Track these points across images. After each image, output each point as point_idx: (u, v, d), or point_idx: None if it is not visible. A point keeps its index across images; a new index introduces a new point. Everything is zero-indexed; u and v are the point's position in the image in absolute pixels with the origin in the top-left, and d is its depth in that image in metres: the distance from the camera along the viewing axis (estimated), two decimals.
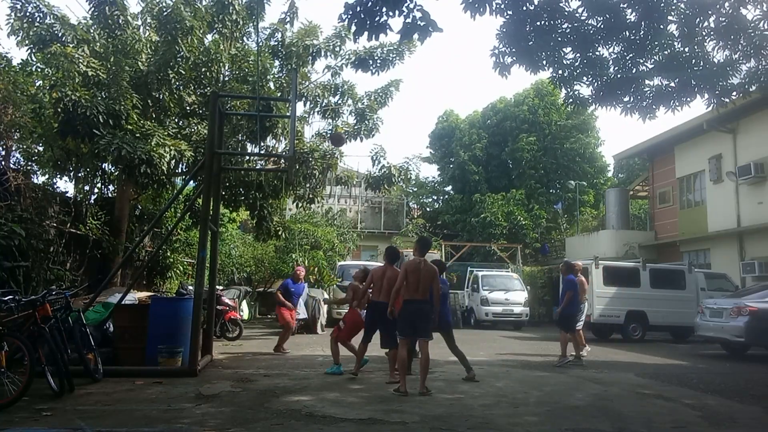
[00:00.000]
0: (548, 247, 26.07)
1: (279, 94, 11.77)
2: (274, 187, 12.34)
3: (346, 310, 8.29)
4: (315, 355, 9.83)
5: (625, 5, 6.78)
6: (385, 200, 28.99)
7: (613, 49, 7.34)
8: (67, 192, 11.83)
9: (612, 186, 28.93)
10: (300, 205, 14.01)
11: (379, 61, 12.41)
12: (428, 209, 33.95)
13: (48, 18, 10.46)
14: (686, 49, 7.14)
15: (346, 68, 13.04)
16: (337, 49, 12.72)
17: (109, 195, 13.13)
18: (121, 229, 12.03)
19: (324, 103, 13.17)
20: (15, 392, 5.12)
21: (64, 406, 5.28)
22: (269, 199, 12.88)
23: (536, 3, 6.65)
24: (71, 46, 9.91)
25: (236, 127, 11.73)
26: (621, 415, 5.48)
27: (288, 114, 9.62)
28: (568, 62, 7.44)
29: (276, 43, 12.66)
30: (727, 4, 6.62)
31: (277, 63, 12.42)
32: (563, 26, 6.99)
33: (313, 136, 13.59)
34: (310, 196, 13.12)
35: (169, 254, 14.48)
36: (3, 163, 9.48)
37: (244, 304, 16.16)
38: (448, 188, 32.16)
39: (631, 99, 7.61)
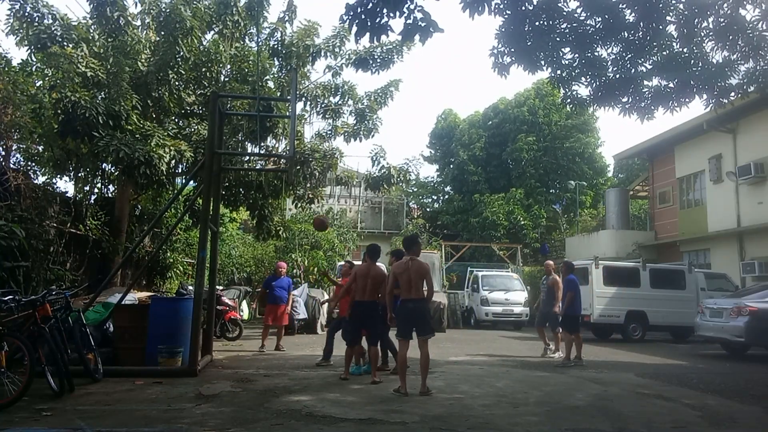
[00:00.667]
0: (548, 247, 26.07)
1: (279, 94, 11.78)
2: (274, 187, 12.35)
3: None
4: (315, 355, 9.82)
5: (623, 5, 6.79)
6: (385, 200, 29.00)
7: (612, 49, 7.34)
8: (67, 192, 11.86)
9: (612, 186, 28.93)
10: (300, 205, 14.03)
11: (379, 61, 12.43)
12: (428, 209, 33.94)
13: (47, 18, 10.46)
14: (685, 50, 7.14)
15: (346, 68, 13.07)
16: (337, 49, 12.74)
17: (109, 195, 13.13)
18: (121, 229, 12.04)
19: (324, 103, 13.19)
20: (15, 392, 5.12)
21: (64, 406, 5.28)
22: (269, 199, 12.89)
23: (535, 3, 6.66)
24: (70, 46, 9.92)
25: (236, 127, 11.73)
26: (621, 415, 5.48)
27: (288, 114, 9.63)
28: (567, 62, 7.44)
29: (275, 43, 12.67)
30: (725, 4, 6.62)
31: (276, 63, 12.43)
32: (562, 26, 6.99)
33: (313, 136, 13.62)
34: (310, 196, 13.13)
35: (169, 254, 14.48)
36: (3, 163, 9.47)
37: (244, 304, 16.16)
38: (448, 188, 32.16)
39: (630, 99, 7.62)
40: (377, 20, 5.63)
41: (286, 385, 6.63)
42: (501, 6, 6.51)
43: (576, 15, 6.92)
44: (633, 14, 6.85)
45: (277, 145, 12.66)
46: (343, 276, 9.06)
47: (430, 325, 6.51)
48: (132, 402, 5.59)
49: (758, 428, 5.46)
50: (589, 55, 7.32)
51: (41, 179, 11.28)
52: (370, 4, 5.57)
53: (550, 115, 28.55)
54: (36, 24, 10.31)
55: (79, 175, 12.10)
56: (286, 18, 12.66)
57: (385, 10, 5.60)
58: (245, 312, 16.41)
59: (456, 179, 29.91)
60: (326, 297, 15.40)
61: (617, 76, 7.45)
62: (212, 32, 11.62)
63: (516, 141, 27.91)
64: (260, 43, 11.65)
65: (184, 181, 12.18)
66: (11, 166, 9.73)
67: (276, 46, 12.62)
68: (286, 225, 15.22)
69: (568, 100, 7.99)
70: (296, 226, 19.02)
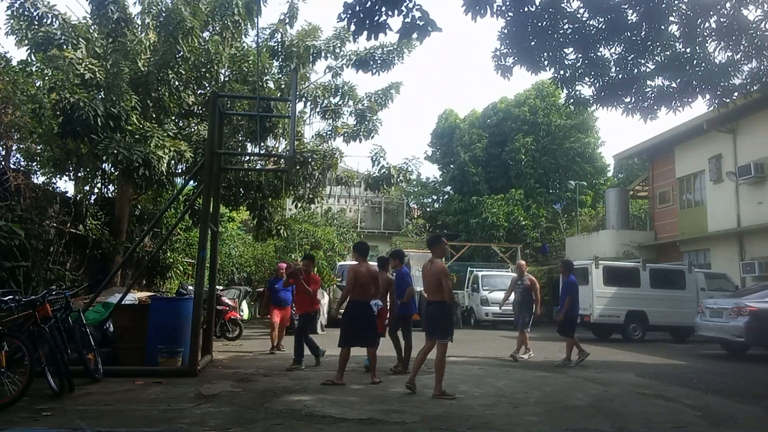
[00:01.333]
0: (548, 247, 26.07)
1: (279, 95, 11.77)
2: (274, 187, 12.35)
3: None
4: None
5: (626, 6, 6.78)
6: (385, 200, 28.99)
7: (615, 49, 7.33)
8: (67, 192, 11.85)
9: (612, 186, 28.93)
10: (300, 205, 14.02)
11: (379, 62, 12.43)
12: (428, 209, 33.94)
13: (48, 18, 10.45)
14: (687, 50, 7.13)
15: (346, 68, 13.07)
16: (338, 50, 12.74)
17: (109, 195, 13.12)
18: (121, 229, 12.03)
19: (324, 104, 13.19)
20: (15, 392, 5.11)
21: (64, 406, 5.27)
22: (269, 199, 12.89)
23: (537, 4, 6.65)
24: (70, 47, 9.90)
25: (236, 127, 11.73)
26: (621, 415, 5.48)
27: (288, 114, 9.63)
28: (570, 63, 7.43)
29: (275, 44, 12.67)
30: (728, 4, 6.61)
31: (276, 63, 12.43)
32: (564, 27, 6.98)
33: (313, 136, 13.62)
34: (310, 196, 13.13)
35: (169, 254, 14.48)
36: (3, 163, 9.47)
37: (244, 304, 16.16)
38: (449, 188, 32.16)
39: (633, 99, 7.61)
40: (375, 19, 5.62)
41: (286, 385, 6.63)
42: (503, 7, 6.50)
43: (578, 15, 6.91)
44: (635, 14, 6.84)
45: (277, 145, 12.66)
46: (289, 277, 8.99)
47: (445, 329, 6.21)
48: (132, 402, 5.58)
49: (758, 428, 5.46)
50: (591, 55, 7.31)
51: (41, 179, 11.29)
52: (369, 3, 5.57)
53: (550, 115, 28.54)
54: (36, 24, 10.30)
55: (79, 175, 12.09)
56: (287, 20, 12.65)
57: (383, 9, 5.59)
58: (245, 312, 16.41)
59: (456, 179, 29.91)
60: (327, 297, 15.40)
61: (620, 76, 7.44)
62: (212, 32, 11.59)
63: (516, 141, 27.91)
64: (260, 44, 11.63)
65: (184, 181, 12.17)
66: (11, 165, 9.73)
67: (276, 47, 12.62)
68: (287, 225, 15.21)
69: (571, 101, 7.98)
70: (296, 225, 19.01)
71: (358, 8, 5.60)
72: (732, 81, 7.27)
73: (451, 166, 30.71)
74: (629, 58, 7.31)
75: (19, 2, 10.23)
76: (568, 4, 6.81)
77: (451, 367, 8.26)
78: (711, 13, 6.70)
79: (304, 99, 12.93)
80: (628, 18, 6.89)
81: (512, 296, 10.57)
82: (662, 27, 6.87)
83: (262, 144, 12.01)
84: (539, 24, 6.80)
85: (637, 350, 11.85)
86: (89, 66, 9.42)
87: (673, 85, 7.43)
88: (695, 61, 7.12)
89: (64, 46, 9.94)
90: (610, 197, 23.81)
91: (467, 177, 28.79)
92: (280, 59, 12.61)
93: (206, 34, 11.51)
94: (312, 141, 13.17)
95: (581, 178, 27.73)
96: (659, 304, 14.02)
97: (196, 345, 7.24)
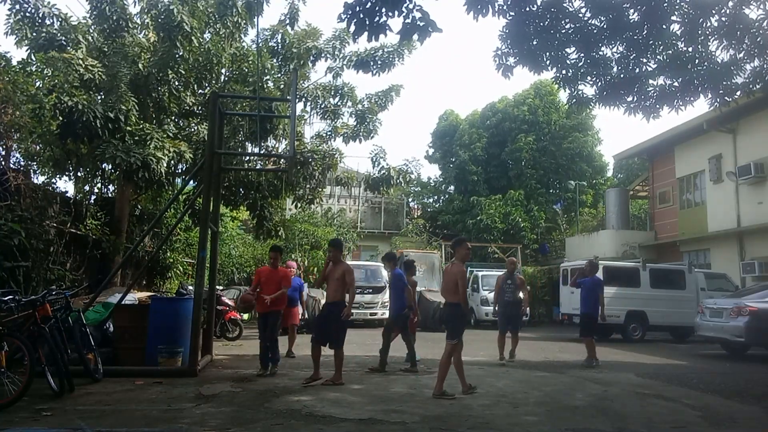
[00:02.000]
0: (548, 247, 26.05)
1: (278, 94, 11.77)
2: (274, 187, 12.35)
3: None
4: None
5: (628, 5, 6.77)
6: (385, 200, 28.99)
7: (617, 48, 7.34)
8: (67, 192, 11.84)
9: (612, 186, 28.92)
10: (300, 205, 14.03)
11: (380, 63, 12.45)
12: (429, 209, 33.93)
13: (48, 18, 10.44)
14: (689, 49, 7.13)
15: (347, 69, 13.09)
16: (338, 51, 12.76)
17: (109, 195, 13.12)
18: (121, 229, 12.03)
19: (323, 105, 13.19)
20: (15, 392, 5.11)
21: (64, 406, 5.27)
22: (269, 199, 12.89)
23: (539, 3, 6.65)
24: (69, 48, 9.89)
25: (236, 127, 11.73)
26: (621, 415, 5.48)
27: (288, 114, 9.62)
28: (572, 62, 7.43)
29: (276, 44, 12.67)
30: (730, 3, 6.61)
31: (276, 63, 12.43)
32: (566, 26, 6.98)
33: (312, 137, 13.63)
34: (310, 196, 13.13)
35: (169, 254, 14.47)
36: (3, 163, 9.46)
37: None
38: (449, 188, 32.16)
39: (635, 99, 7.61)
40: (376, 19, 5.61)
41: (286, 385, 6.62)
42: (505, 7, 6.50)
43: (580, 15, 6.91)
44: (637, 13, 6.84)
45: (277, 146, 12.67)
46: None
47: (457, 330, 6.27)
48: (132, 402, 5.58)
49: (758, 428, 5.46)
50: (593, 54, 7.31)
51: (41, 179, 11.29)
52: (369, 3, 5.56)
53: (549, 114, 28.53)
54: (37, 24, 10.30)
55: (79, 175, 12.09)
56: (287, 21, 12.66)
57: (383, 10, 5.59)
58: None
59: (457, 179, 29.91)
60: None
61: (622, 75, 7.44)
62: (211, 32, 11.59)
63: (515, 141, 27.91)
64: (260, 44, 11.63)
65: (184, 181, 12.18)
66: (11, 165, 9.72)
67: (276, 47, 12.62)
68: (286, 225, 15.21)
69: (573, 100, 7.98)
70: (296, 225, 19.01)
71: (358, 9, 5.60)
72: (734, 80, 7.27)
73: (451, 166, 30.71)
74: (631, 58, 7.31)
75: (20, 2, 10.23)
76: (570, 4, 6.81)
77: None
78: (713, 12, 6.70)
79: (304, 99, 12.93)
80: (630, 17, 6.88)
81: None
82: (664, 26, 6.87)
83: (263, 144, 12.01)
84: (541, 23, 6.80)
85: (637, 350, 11.84)
86: (89, 67, 9.42)
87: (675, 84, 7.43)
88: (697, 61, 7.12)
89: (66, 47, 9.94)
90: (610, 197, 23.81)
91: (467, 177, 28.79)
92: (280, 59, 12.61)
93: (207, 35, 11.51)
94: (312, 141, 13.18)
95: (581, 178, 27.72)
96: (659, 304, 14.01)
97: (196, 345, 7.24)
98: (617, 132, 70.48)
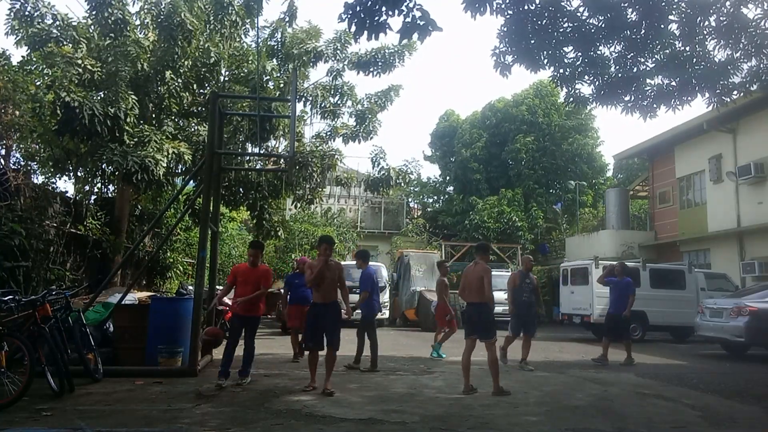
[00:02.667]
0: (548, 246, 26.03)
1: (278, 94, 11.78)
2: (274, 187, 12.35)
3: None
4: None
5: (626, 4, 6.78)
6: (385, 200, 29.00)
7: (614, 48, 7.35)
8: (67, 192, 11.85)
9: (612, 186, 28.91)
10: (299, 205, 14.04)
11: (380, 64, 12.48)
12: (429, 209, 33.92)
13: (47, 18, 10.44)
14: (687, 48, 7.14)
15: (348, 70, 13.12)
16: (339, 53, 12.78)
17: (109, 195, 13.13)
18: (121, 229, 12.04)
19: (323, 104, 13.20)
20: (15, 392, 5.11)
21: (64, 406, 5.27)
22: (269, 199, 12.89)
23: (537, 2, 6.65)
24: (69, 46, 9.89)
25: (238, 127, 11.73)
26: (621, 415, 5.48)
27: (288, 114, 9.62)
28: (569, 61, 7.44)
29: (275, 44, 12.67)
30: (728, 2, 6.61)
31: (275, 63, 12.44)
32: (564, 25, 6.99)
33: (312, 137, 13.64)
34: (310, 196, 13.14)
35: (169, 254, 14.48)
36: (3, 163, 9.47)
37: None
38: (450, 188, 32.15)
39: (632, 98, 7.62)
40: (376, 19, 5.62)
41: (286, 385, 6.62)
42: (503, 5, 6.50)
43: (578, 14, 6.92)
44: (635, 13, 6.85)
45: (277, 146, 12.67)
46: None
47: (489, 329, 6.39)
48: (132, 402, 5.58)
49: (758, 428, 5.45)
50: (591, 53, 7.32)
51: (41, 179, 11.30)
52: (369, 3, 5.56)
53: (549, 115, 28.52)
54: (36, 24, 10.29)
55: (79, 174, 12.09)
56: (286, 19, 12.66)
57: (383, 9, 5.59)
58: None
59: (458, 179, 29.90)
60: None
61: (619, 74, 7.45)
62: (211, 31, 11.60)
63: (515, 141, 27.91)
64: (260, 44, 11.63)
65: (184, 181, 12.18)
66: (11, 165, 9.73)
67: (276, 46, 12.62)
68: (286, 225, 15.22)
69: (571, 99, 7.98)
70: (296, 225, 19.01)
71: (358, 8, 5.60)
72: (731, 79, 7.28)
73: (452, 165, 30.70)
74: (629, 57, 7.32)
75: (20, 3, 10.23)
76: (568, 3, 6.81)
77: (451, 367, 8.29)
78: (711, 11, 6.70)
79: (304, 99, 12.94)
80: (628, 16, 6.89)
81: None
82: (662, 25, 6.88)
83: (263, 144, 12.02)
84: (539, 22, 6.81)
85: (637, 350, 11.81)
86: (89, 67, 9.41)
87: (673, 83, 7.43)
88: (695, 60, 7.12)
89: (62, 43, 9.91)
90: (610, 197, 23.80)
91: (468, 176, 28.79)
92: (279, 59, 12.62)
93: (206, 35, 11.52)
94: (311, 142, 13.19)
95: (581, 178, 27.71)
96: (659, 304, 13.99)
97: (196, 345, 7.23)
98: (617, 132, 70.49)
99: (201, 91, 11.60)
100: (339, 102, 13.47)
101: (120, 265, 10.60)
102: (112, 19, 10.36)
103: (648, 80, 7.58)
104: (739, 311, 10.56)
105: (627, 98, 7.62)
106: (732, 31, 6.70)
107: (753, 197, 16.54)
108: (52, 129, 9.45)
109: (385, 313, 17.52)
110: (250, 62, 11.42)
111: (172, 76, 10.62)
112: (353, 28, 5.72)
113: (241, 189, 12.58)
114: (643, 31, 6.94)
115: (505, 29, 6.86)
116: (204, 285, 7.95)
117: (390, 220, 29.79)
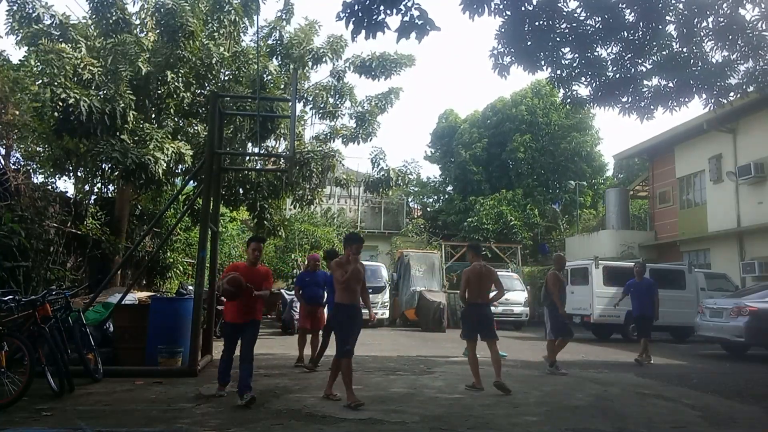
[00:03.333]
0: (548, 246, 26.03)
1: (278, 93, 11.79)
2: (274, 187, 12.36)
3: None
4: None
5: (623, 5, 6.79)
6: (384, 200, 29.01)
7: (612, 49, 7.35)
8: (67, 192, 11.87)
9: (611, 186, 28.91)
10: (300, 205, 14.05)
11: (381, 69, 12.56)
12: (429, 209, 33.93)
13: (47, 18, 10.45)
14: (684, 50, 7.14)
15: (349, 72, 13.15)
16: (340, 53, 12.81)
17: (109, 195, 13.14)
18: (121, 229, 12.04)
19: (323, 105, 13.23)
20: (15, 392, 5.12)
21: (64, 406, 5.28)
22: (269, 199, 12.91)
23: (535, 3, 6.65)
24: (69, 45, 9.89)
25: (238, 127, 11.74)
26: (621, 415, 5.48)
27: (288, 114, 9.63)
28: (567, 62, 7.45)
29: (274, 42, 12.68)
30: (725, 4, 6.62)
31: (275, 62, 12.45)
32: (562, 26, 6.99)
33: (311, 138, 13.66)
34: (310, 197, 13.15)
35: (169, 254, 14.48)
36: (3, 162, 9.47)
37: None
38: (450, 188, 32.16)
39: (630, 99, 7.63)
40: (374, 17, 5.61)
41: (286, 385, 6.63)
42: (501, 6, 6.51)
43: (576, 15, 6.92)
44: (633, 14, 6.85)
45: (277, 146, 12.68)
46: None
47: (494, 329, 6.85)
48: (132, 402, 5.59)
49: (758, 428, 5.46)
50: (588, 55, 7.32)
51: (41, 179, 11.30)
52: (368, 1, 5.56)
53: (548, 114, 28.53)
54: (35, 24, 10.30)
55: (79, 174, 12.10)
56: (284, 17, 12.67)
57: (381, 8, 5.59)
58: None
59: (458, 179, 29.90)
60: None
61: (617, 75, 7.46)
62: (210, 31, 11.60)
63: (514, 141, 27.92)
64: (259, 43, 11.64)
65: (184, 181, 12.19)
66: (11, 165, 9.73)
67: (275, 45, 12.63)
68: (286, 224, 15.22)
69: (568, 100, 7.99)
70: (296, 225, 19.03)
71: (357, 7, 5.60)
72: (728, 81, 7.28)
73: (451, 165, 30.70)
74: (626, 58, 7.33)
75: (18, 3, 10.23)
76: (565, 4, 6.82)
77: (451, 367, 8.30)
78: (708, 13, 6.71)
79: (303, 99, 12.96)
80: (626, 18, 6.90)
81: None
82: (659, 27, 6.88)
83: (263, 144, 12.03)
84: (536, 23, 6.81)
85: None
86: (89, 68, 9.40)
87: (670, 84, 7.44)
88: (692, 61, 7.13)
89: (58, 40, 9.90)
90: (610, 197, 23.80)
91: (468, 176, 28.79)
92: (279, 58, 12.63)
93: (205, 34, 11.52)
94: (311, 142, 13.20)
95: (580, 177, 27.71)
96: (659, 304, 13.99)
97: (196, 345, 7.25)
98: (617, 132, 70.51)
99: (201, 91, 11.61)
100: (339, 102, 13.49)
101: (120, 265, 10.60)
102: (113, 19, 10.36)
103: (645, 81, 7.59)
104: (739, 311, 10.56)
105: (624, 99, 7.62)
106: (729, 32, 6.71)
107: (753, 197, 16.55)
108: (51, 127, 9.45)
109: (385, 314, 17.53)
110: (250, 60, 11.41)
111: (172, 76, 10.62)
112: (351, 27, 5.72)
113: (241, 189, 12.60)
114: (640, 33, 6.94)
115: (503, 30, 6.87)
116: (204, 285, 7.96)
117: (390, 220, 29.80)
